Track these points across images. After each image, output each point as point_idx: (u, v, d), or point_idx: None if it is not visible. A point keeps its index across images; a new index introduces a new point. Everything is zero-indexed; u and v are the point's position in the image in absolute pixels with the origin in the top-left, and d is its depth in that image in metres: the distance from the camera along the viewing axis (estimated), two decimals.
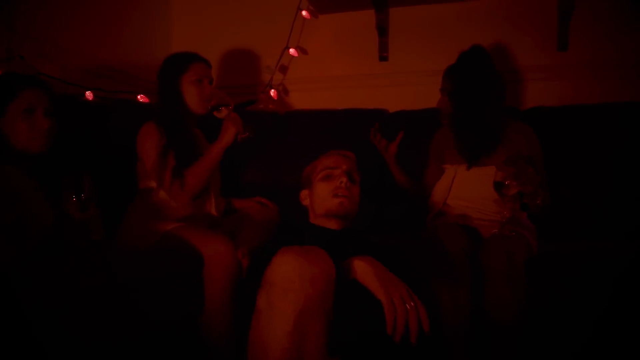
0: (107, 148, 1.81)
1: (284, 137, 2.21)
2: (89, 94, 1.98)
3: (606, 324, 1.41)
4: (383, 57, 2.44)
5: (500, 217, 1.52)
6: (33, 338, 1.07)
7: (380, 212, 1.98)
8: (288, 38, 2.47)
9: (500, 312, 1.37)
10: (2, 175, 1.28)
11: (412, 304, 1.03)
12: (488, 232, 1.56)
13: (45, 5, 1.94)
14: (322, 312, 0.99)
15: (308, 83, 2.53)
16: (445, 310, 1.39)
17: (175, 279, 1.45)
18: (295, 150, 2.14)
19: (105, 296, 1.22)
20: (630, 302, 1.41)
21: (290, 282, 0.96)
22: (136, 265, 1.45)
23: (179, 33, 2.69)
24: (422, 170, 1.89)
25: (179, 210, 1.66)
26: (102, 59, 2.19)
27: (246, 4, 2.61)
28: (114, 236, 1.60)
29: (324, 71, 2.52)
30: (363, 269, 1.10)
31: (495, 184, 1.45)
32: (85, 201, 1.24)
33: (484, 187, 1.54)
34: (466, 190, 1.68)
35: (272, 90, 2.52)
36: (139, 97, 2.16)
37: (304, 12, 2.44)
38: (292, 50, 2.48)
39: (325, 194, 1.39)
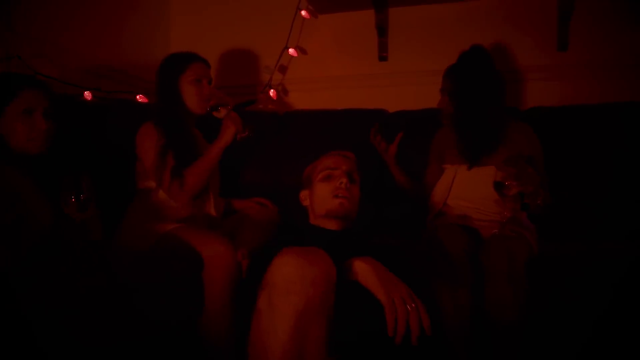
0: (106, 148, 1.81)
1: (284, 138, 2.20)
2: (87, 94, 1.97)
3: (607, 325, 1.41)
4: (383, 57, 2.44)
5: (500, 217, 1.52)
6: (33, 339, 1.06)
7: (380, 213, 1.98)
8: (287, 38, 2.46)
9: (500, 313, 1.37)
10: (0, 175, 1.28)
11: (412, 304, 1.03)
12: (488, 233, 1.56)
13: (45, 5, 1.93)
14: (323, 313, 0.99)
15: (307, 83, 2.53)
16: (446, 311, 1.39)
17: (175, 280, 1.45)
18: (294, 150, 2.13)
19: (105, 297, 1.21)
20: (631, 303, 1.40)
21: (291, 283, 0.96)
22: (135, 267, 1.44)
23: (178, 33, 2.68)
24: (422, 170, 1.89)
25: (178, 211, 1.65)
26: (102, 59, 2.19)
27: (245, 4, 2.60)
28: (113, 237, 1.60)
29: (323, 71, 2.52)
30: (364, 270, 1.10)
31: (496, 184, 1.45)
32: (84, 201, 1.24)
33: (484, 187, 1.54)
34: (466, 190, 1.68)
35: (272, 91, 2.52)
36: (138, 97, 2.15)
37: (303, 12, 2.43)
38: (291, 50, 2.48)
39: (326, 195, 1.39)
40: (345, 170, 1.41)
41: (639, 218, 1.78)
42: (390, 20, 2.42)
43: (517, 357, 1.36)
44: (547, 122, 1.96)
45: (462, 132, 1.71)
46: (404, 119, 2.14)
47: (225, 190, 1.88)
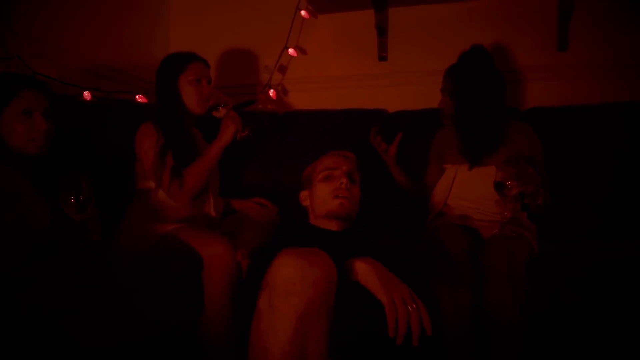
0: (106, 148, 1.80)
1: (283, 138, 2.20)
2: (86, 94, 1.97)
3: (607, 325, 1.41)
4: (382, 57, 2.44)
5: (500, 217, 1.52)
6: (33, 339, 1.06)
7: (380, 213, 1.98)
8: (287, 38, 2.46)
9: (501, 313, 1.36)
10: (0, 176, 1.27)
11: (413, 305, 1.03)
12: (488, 233, 1.56)
13: (45, 5, 1.93)
14: (324, 314, 0.98)
15: (307, 83, 2.52)
16: (446, 311, 1.39)
17: (175, 281, 1.45)
18: (294, 150, 2.13)
19: (105, 297, 1.21)
20: (631, 303, 1.40)
21: (292, 284, 0.96)
22: (135, 267, 1.44)
23: (177, 33, 2.68)
24: (422, 170, 1.88)
25: (178, 211, 1.65)
26: (102, 59, 2.19)
27: (245, 4, 2.60)
28: (113, 237, 1.60)
29: (323, 71, 2.51)
30: (364, 271, 1.09)
31: (496, 184, 1.45)
32: (83, 202, 1.24)
33: (484, 187, 1.54)
34: (467, 190, 1.67)
35: (271, 91, 2.51)
36: (137, 97, 2.15)
37: (302, 12, 2.43)
38: (291, 50, 2.48)
39: (326, 195, 1.38)
40: (345, 170, 1.41)
41: (639, 218, 1.78)
42: (390, 20, 2.42)
43: (517, 357, 1.36)
44: (547, 122, 1.96)
45: (463, 132, 1.71)
46: (404, 119, 2.13)
47: (224, 191, 1.87)
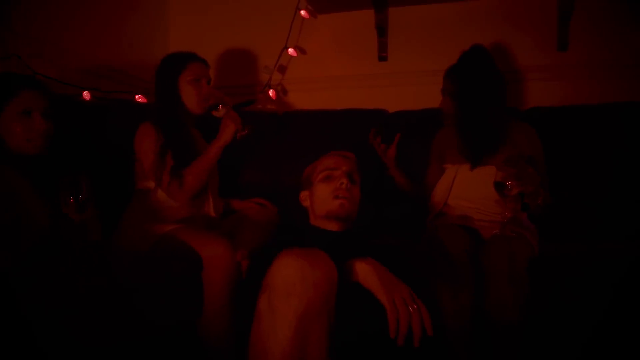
0: (105, 148, 1.80)
1: (283, 138, 2.20)
2: (86, 94, 1.97)
3: (607, 325, 1.41)
4: (382, 57, 2.43)
5: (501, 217, 1.52)
6: (33, 339, 1.06)
7: (380, 213, 1.97)
8: (287, 38, 2.46)
9: (501, 313, 1.36)
10: None
11: (414, 306, 1.02)
12: (489, 233, 1.56)
13: (45, 5, 1.93)
14: (324, 315, 0.98)
15: (307, 83, 2.52)
16: (446, 311, 1.38)
17: (174, 281, 1.44)
18: (294, 150, 2.13)
19: (105, 298, 1.21)
20: (631, 303, 1.40)
21: (292, 285, 0.95)
22: (135, 267, 1.44)
23: (177, 33, 2.68)
24: (422, 170, 1.88)
25: (177, 211, 1.65)
26: (102, 59, 2.19)
27: (244, 4, 2.60)
28: (112, 237, 1.59)
29: (322, 71, 2.51)
30: (365, 271, 1.09)
31: (496, 184, 1.44)
32: (82, 202, 1.23)
33: (484, 187, 1.53)
34: (467, 190, 1.67)
35: (271, 91, 2.51)
36: (136, 97, 2.15)
37: (302, 12, 2.43)
38: (290, 50, 2.47)
39: (326, 195, 1.38)
40: (345, 170, 1.40)
41: (639, 218, 1.78)
42: (390, 20, 2.42)
43: (518, 357, 1.36)
44: (547, 122, 1.96)
45: (464, 132, 1.70)
46: (404, 119, 2.13)
47: (224, 191, 1.87)
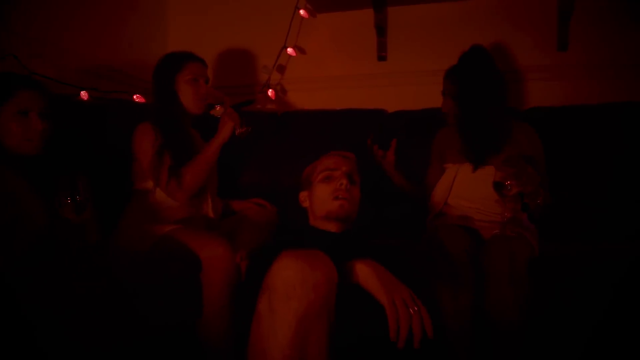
0: (103, 148, 1.79)
1: (282, 138, 2.19)
2: (84, 94, 1.96)
3: (607, 325, 1.41)
4: (382, 57, 2.43)
5: (501, 217, 1.51)
6: (32, 339, 1.06)
7: (380, 213, 1.97)
8: (286, 37, 2.45)
9: (502, 314, 1.36)
10: None
11: (415, 307, 1.02)
12: (489, 233, 1.55)
13: (45, 5, 1.92)
14: (324, 317, 0.97)
15: (306, 83, 2.51)
16: (447, 312, 1.38)
17: (173, 282, 1.44)
18: (293, 150, 2.12)
19: (103, 299, 1.20)
20: (631, 303, 1.40)
21: (292, 287, 0.95)
22: (133, 268, 1.43)
23: (176, 33, 2.67)
24: (422, 170, 1.88)
25: (176, 212, 1.64)
26: (101, 59, 2.18)
27: (243, 4, 2.59)
28: (111, 238, 1.59)
29: (322, 71, 2.50)
30: (365, 273, 1.08)
31: (495, 184, 1.44)
32: (80, 203, 1.23)
33: (485, 186, 1.53)
34: (468, 189, 1.67)
35: (270, 90, 2.50)
36: (135, 97, 2.14)
37: (301, 11, 2.42)
38: (289, 50, 2.47)
39: (325, 196, 1.37)
40: (345, 171, 1.40)
41: (639, 218, 1.78)
42: (390, 19, 2.41)
43: (518, 357, 1.35)
44: (547, 122, 1.96)
45: (466, 133, 1.70)
46: (403, 119, 2.13)
47: (223, 191, 1.86)
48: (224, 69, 2.55)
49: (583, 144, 1.93)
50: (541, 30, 2.24)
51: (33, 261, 1.20)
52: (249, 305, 1.06)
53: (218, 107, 1.68)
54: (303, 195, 1.48)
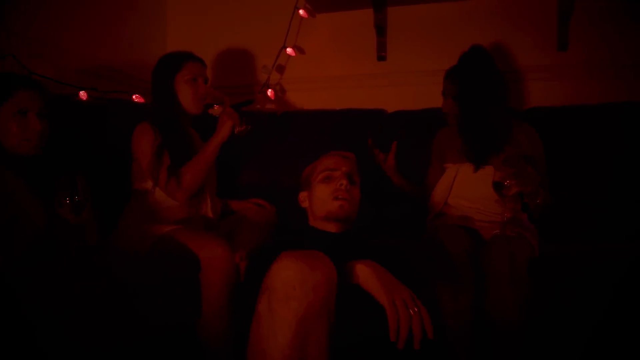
0: (102, 148, 1.79)
1: (282, 138, 2.19)
2: (82, 94, 1.96)
3: (607, 325, 1.41)
4: (381, 57, 2.43)
5: (501, 217, 1.51)
6: (32, 339, 1.06)
7: (380, 213, 1.97)
8: (285, 37, 2.45)
9: (502, 314, 1.36)
10: None
11: (415, 308, 1.01)
12: (489, 234, 1.55)
13: (44, 5, 1.92)
14: (324, 318, 0.97)
15: (305, 83, 2.51)
16: (447, 312, 1.38)
17: (172, 283, 1.44)
18: (293, 150, 2.12)
19: (102, 299, 1.20)
20: (631, 303, 1.40)
21: (292, 288, 0.94)
22: (133, 268, 1.43)
23: (175, 33, 2.67)
24: (422, 170, 1.87)
25: (175, 212, 1.64)
26: (100, 59, 2.18)
27: (243, 4, 2.59)
28: (110, 238, 1.58)
29: (321, 71, 2.50)
30: (365, 273, 1.08)
31: (495, 184, 1.44)
32: (79, 203, 1.22)
33: (485, 186, 1.52)
34: (468, 189, 1.67)
35: (269, 90, 2.50)
36: (134, 97, 2.14)
37: (301, 11, 2.42)
38: (289, 50, 2.46)
39: (325, 197, 1.36)
40: (345, 171, 1.39)
41: (639, 218, 1.78)
42: (389, 19, 2.41)
43: (518, 357, 1.35)
44: (547, 122, 1.95)
45: (467, 133, 1.69)
46: (403, 119, 2.13)
47: (222, 191, 1.86)
48: (224, 69, 2.54)
49: (583, 144, 1.93)
50: (541, 30, 2.24)
51: (32, 261, 1.20)
52: (248, 306, 1.06)
53: (217, 107, 1.67)
54: (303, 195, 1.47)
